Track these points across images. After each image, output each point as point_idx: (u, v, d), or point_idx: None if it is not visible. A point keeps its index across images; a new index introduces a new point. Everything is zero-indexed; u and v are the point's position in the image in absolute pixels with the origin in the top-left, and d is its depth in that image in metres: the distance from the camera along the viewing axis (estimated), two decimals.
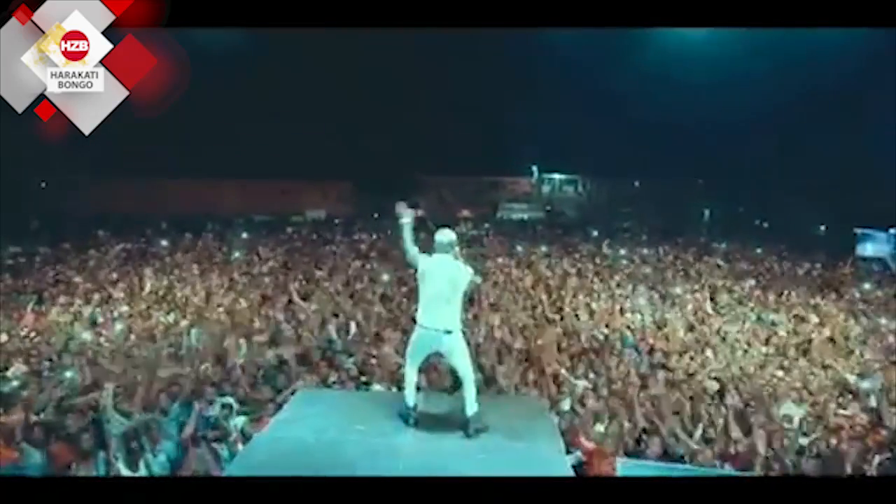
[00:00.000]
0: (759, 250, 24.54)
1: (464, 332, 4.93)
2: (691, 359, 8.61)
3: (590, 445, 5.68)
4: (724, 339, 9.62)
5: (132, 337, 9.52)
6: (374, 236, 24.76)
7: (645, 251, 22.80)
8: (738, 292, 13.94)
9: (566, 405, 6.56)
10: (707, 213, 43.89)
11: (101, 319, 10.43)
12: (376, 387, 7.21)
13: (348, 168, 37.15)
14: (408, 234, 4.96)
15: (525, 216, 41.53)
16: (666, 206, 41.25)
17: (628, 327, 10.22)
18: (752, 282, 15.93)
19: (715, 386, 7.40)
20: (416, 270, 4.94)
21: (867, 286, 15.82)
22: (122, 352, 8.53)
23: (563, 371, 7.51)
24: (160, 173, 33.57)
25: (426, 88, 35.28)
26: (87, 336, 9.15)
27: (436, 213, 39.72)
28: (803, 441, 6.07)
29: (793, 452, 5.82)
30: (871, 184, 32.90)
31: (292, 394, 6.90)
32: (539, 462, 4.58)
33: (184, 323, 10.27)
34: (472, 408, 4.88)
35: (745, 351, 9.05)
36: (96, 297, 12.10)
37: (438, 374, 6.87)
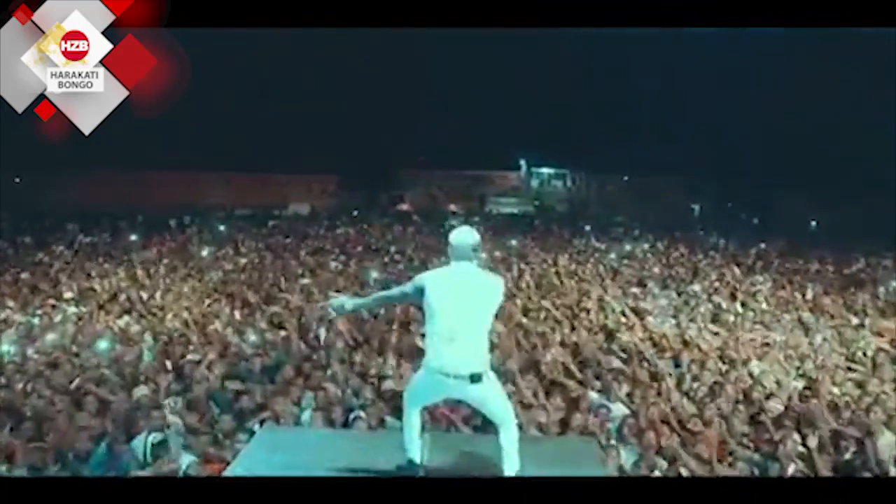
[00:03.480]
0: (762, 245, 23.40)
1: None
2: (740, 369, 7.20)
3: None
4: (767, 347, 8.21)
5: (71, 345, 7.94)
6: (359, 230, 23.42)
7: (645, 246, 21.52)
8: (762, 291, 12.54)
9: (607, 439, 5.17)
10: (697, 208, 43.21)
11: (36, 323, 8.84)
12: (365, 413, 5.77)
13: (334, 162, 36.38)
14: (364, 302, 4.22)
15: (514, 210, 40.72)
16: (656, 201, 40.53)
17: (651, 337, 8.68)
18: (765, 277, 14.77)
19: (779, 407, 6.05)
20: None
21: (894, 284, 14.61)
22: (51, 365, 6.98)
23: (593, 395, 6.08)
24: (141, 165, 32.71)
25: (413, 83, 35.04)
26: (6, 347, 7.53)
27: (423, 208, 38.83)
28: None
29: None
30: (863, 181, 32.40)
31: (261, 423, 5.63)
32: None
33: (135, 329, 8.73)
34: (513, 466, 3.47)
35: (800, 364, 7.63)
36: (36, 298, 10.47)
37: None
